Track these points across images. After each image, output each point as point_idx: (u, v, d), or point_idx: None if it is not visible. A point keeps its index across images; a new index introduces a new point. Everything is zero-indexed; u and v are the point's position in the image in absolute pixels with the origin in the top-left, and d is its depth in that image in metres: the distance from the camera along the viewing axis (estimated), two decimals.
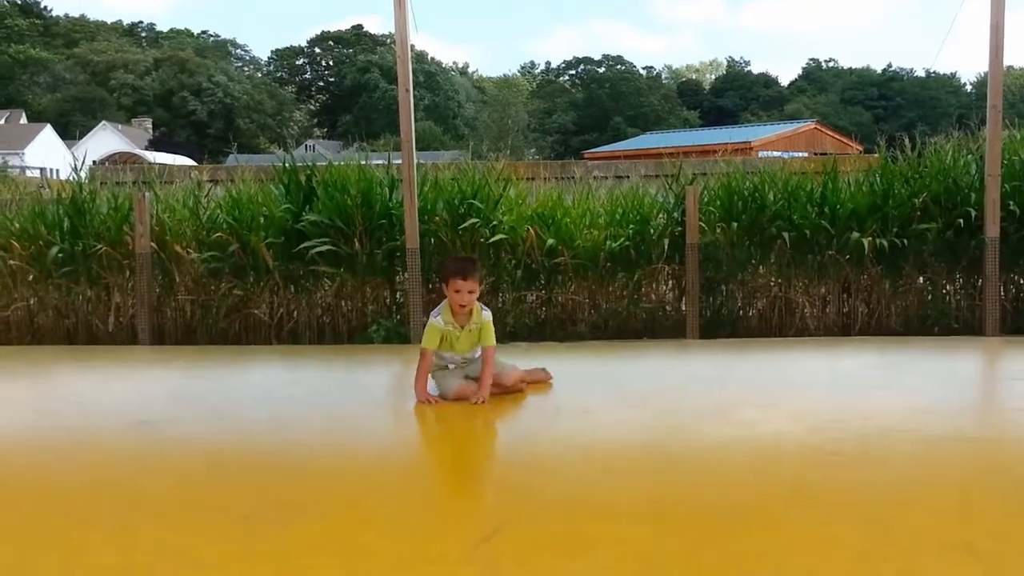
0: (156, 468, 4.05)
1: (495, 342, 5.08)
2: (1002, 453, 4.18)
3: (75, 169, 8.89)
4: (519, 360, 5.39)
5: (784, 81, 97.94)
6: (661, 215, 8.36)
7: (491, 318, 5.08)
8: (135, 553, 3.05)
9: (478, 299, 5.07)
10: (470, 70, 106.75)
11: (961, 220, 7.88)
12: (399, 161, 8.06)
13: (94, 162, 18.54)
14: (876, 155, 8.80)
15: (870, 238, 7.84)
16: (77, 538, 3.18)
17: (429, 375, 5.02)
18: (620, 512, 3.33)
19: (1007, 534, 3.11)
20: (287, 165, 8.39)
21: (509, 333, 7.88)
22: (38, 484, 3.85)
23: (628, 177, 10.19)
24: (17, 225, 8.47)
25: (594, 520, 3.25)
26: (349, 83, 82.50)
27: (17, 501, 3.61)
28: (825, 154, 11.36)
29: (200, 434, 4.61)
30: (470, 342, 5.02)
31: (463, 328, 4.97)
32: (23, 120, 62.12)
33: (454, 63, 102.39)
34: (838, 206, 8.12)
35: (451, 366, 5.05)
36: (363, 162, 8.51)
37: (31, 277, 8.33)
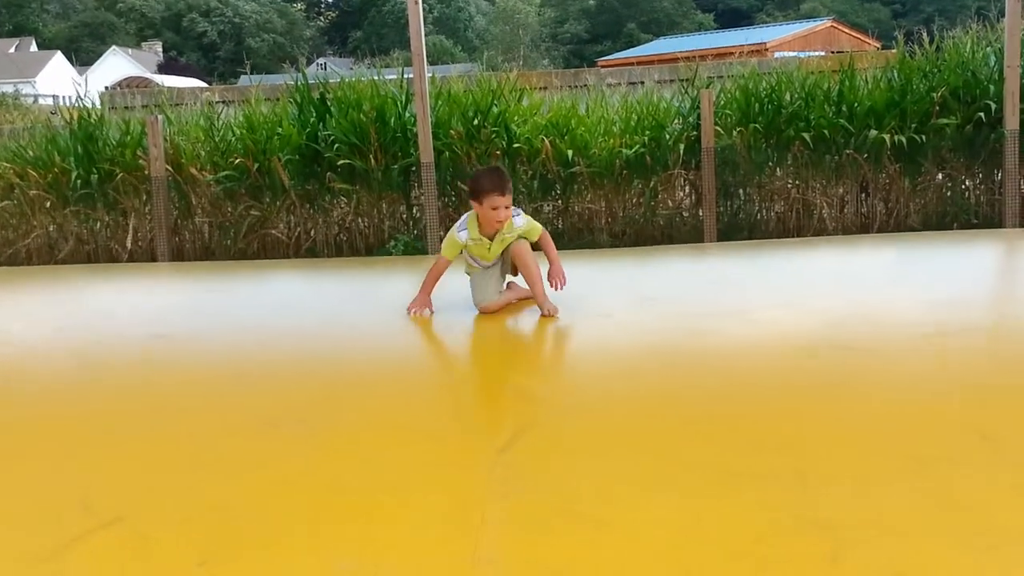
0: (180, 379, 4.10)
1: (540, 231, 4.86)
2: (1016, 342, 4.20)
3: (79, 96, 8.86)
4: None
5: None
6: (676, 120, 8.29)
7: (524, 221, 4.79)
8: (165, 458, 3.12)
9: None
10: None
11: (981, 114, 7.78)
12: (411, 76, 8.01)
13: (105, 87, 18.49)
14: (894, 51, 8.67)
15: (888, 135, 7.76)
16: (105, 445, 3.24)
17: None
18: (641, 412, 3.38)
19: (1018, 418, 3.14)
20: (299, 84, 8.34)
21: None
22: (60, 397, 3.91)
23: (643, 83, 10.09)
24: (31, 153, 8.50)
25: (615, 421, 3.29)
26: None
27: (40, 415, 3.68)
28: (842, 52, 11.17)
29: (222, 346, 4.67)
30: (496, 250, 4.77)
31: (492, 238, 4.72)
32: (33, 48, 61.78)
33: None
34: (856, 104, 8.03)
35: (477, 266, 4.84)
36: (375, 78, 8.44)
37: (48, 204, 8.37)
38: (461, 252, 4.79)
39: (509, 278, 4.96)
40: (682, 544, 2.40)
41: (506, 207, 4.61)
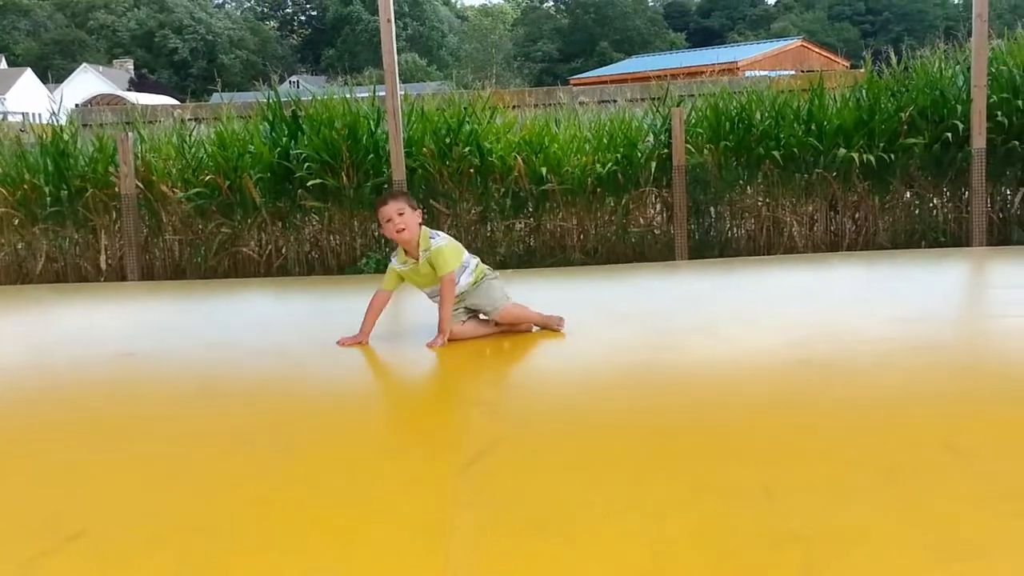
0: (150, 397, 4.08)
1: (450, 268, 4.54)
2: (983, 358, 4.25)
3: (53, 113, 8.82)
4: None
5: None
6: (648, 138, 8.33)
7: (444, 243, 4.60)
8: (136, 476, 3.09)
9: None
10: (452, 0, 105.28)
11: (949, 133, 7.86)
12: (383, 93, 8.02)
13: (76, 105, 18.37)
14: (863, 70, 8.76)
15: (857, 153, 7.84)
16: (79, 469, 3.21)
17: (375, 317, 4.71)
18: (609, 427, 3.38)
19: (986, 432, 3.17)
20: (271, 101, 8.33)
21: (500, 262, 7.91)
22: (28, 415, 3.88)
23: (615, 101, 10.14)
24: (0, 170, 8.43)
25: (583, 436, 3.30)
26: (331, 16, 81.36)
27: (6, 434, 3.64)
28: (812, 71, 11.28)
29: (192, 363, 4.63)
30: (428, 275, 4.60)
31: (417, 260, 4.59)
32: (3, 65, 61.37)
33: None
34: (825, 123, 8.10)
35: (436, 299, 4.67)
36: (348, 96, 8.45)
37: (16, 222, 8.31)
38: (401, 282, 4.72)
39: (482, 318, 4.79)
40: (652, 559, 2.40)
41: (398, 213, 4.51)
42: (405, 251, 4.64)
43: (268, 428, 3.54)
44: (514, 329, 4.73)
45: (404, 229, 4.55)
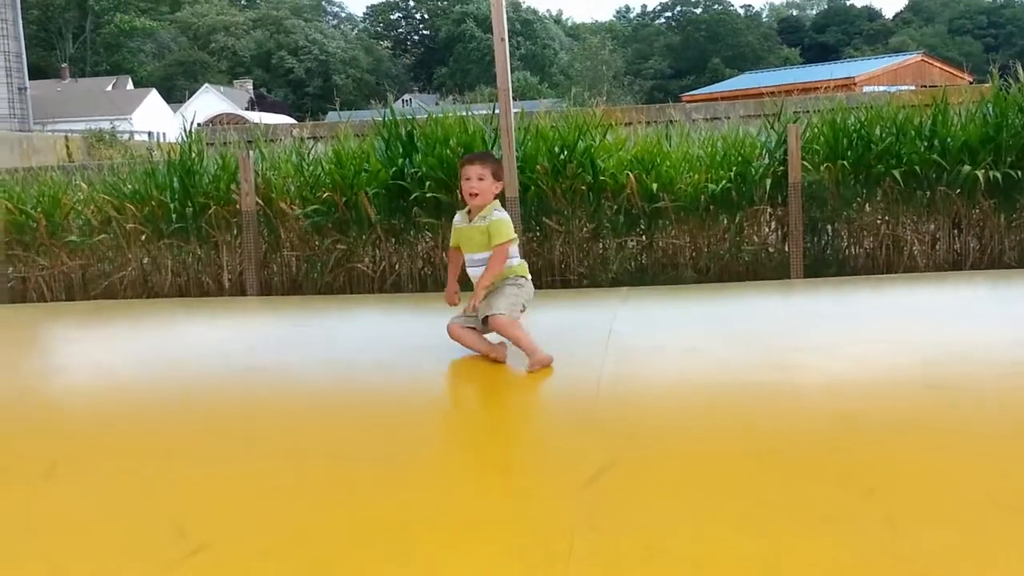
0: (270, 410, 4.19)
1: (506, 239, 4.53)
2: None
3: (186, 131, 9.11)
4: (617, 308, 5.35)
5: (888, 13, 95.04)
6: (762, 155, 8.21)
7: (506, 217, 4.61)
8: (254, 489, 3.17)
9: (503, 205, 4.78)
10: (563, 18, 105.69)
11: None
12: (497, 111, 8.07)
13: (199, 124, 18.99)
14: (988, 85, 8.49)
15: (983, 171, 7.59)
16: (204, 480, 3.30)
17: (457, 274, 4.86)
18: (725, 449, 3.33)
19: None
20: (387, 120, 8.47)
21: (612, 279, 7.90)
22: (153, 428, 4.02)
23: (728, 118, 10.03)
24: (129, 187, 8.75)
25: (699, 458, 3.26)
26: (444, 35, 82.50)
27: (133, 444, 3.78)
28: (934, 87, 10.98)
29: (309, 378, 4.73)
30: (479, 240, 4.61)
31: (471, 222, 4.64)
32: (129, 86, 63.71)
33: (547, 11, 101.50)
34: (949, 139, 7.86)
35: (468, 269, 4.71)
36: (462, 114, 8.53)
37: (143, 237, 8.60)
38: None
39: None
40: None
41: (479, 178, 4.55)
42: (469, 211, 4.69)
43: (380, 444, 3.58)
44: (490, 355, 4.58)
45: (477, 195, 4.58)
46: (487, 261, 4.58)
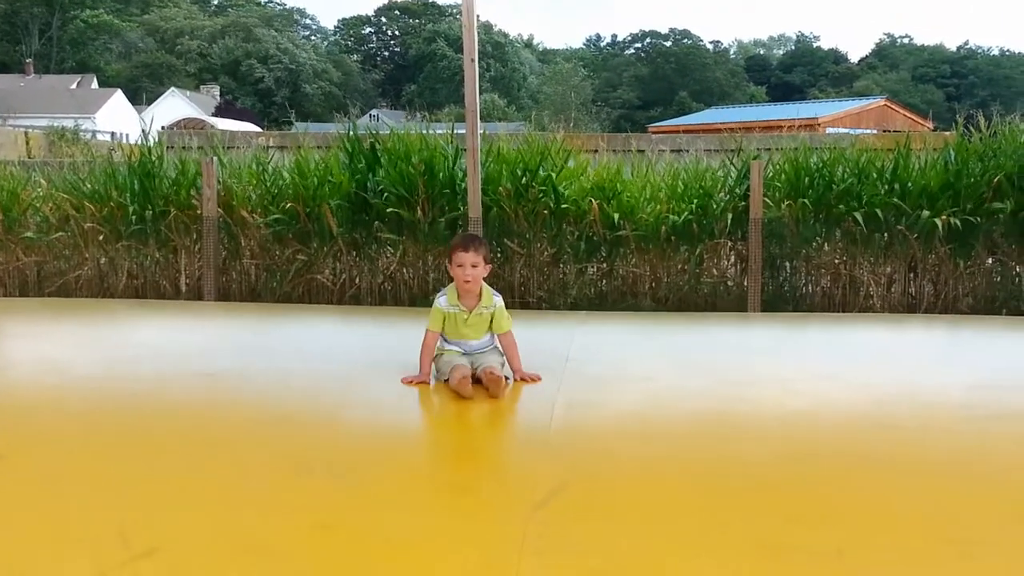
0: (226, 418, 4.15)
1: (511, 327, 4.69)
2: None
3: (145, 133, 9.04)
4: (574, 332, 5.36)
5: (854, 57, 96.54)
6: (724, 190, 8.29)
7: (503, 304, 4.69)
8: (203, 494, 3.13)
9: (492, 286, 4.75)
10: (534, 42, 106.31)
11: None
12: (461, 131, 8.08)
13: (162, 127, 18.81)
14: (950, 132, 8.63)
15: (942, 218, 7.70)
16: (154, 485, 3.25)
17: (433, 358, 4.67)
18: (678, 477, 3.35)
19: None
20: (351, 133, 8.45)
21: (571, 303, 7.92)
22: (102, 429, 3.97)
23: (688, 151, 10.10)
24: (89, 186, 8.65)
25: (652, 484, 3.27)
26: (414, 53, 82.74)
27: (81, 446, 3.72)
28: (897, 132, 11.15)
29: (268, 385, 4.68)
30: (481, 327, 4.65)
31: (471, 311, 4.61)
32: (94, 85, 63.18)
33: (519, 35, 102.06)
34: (909, 183, 7.98)
35: (457, 349, 4.65)
36: (424, 131, 8.52)
37: (101, 237, 8.50)
38: (444, 325, 4.65)
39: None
40: None
41: (472, 265, 4.53)
42: (459, 296, 4.62)
43: (335, 457, 3.56)
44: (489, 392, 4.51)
45: (472, 281, 4.57)
46: (490, 347, 4.68)
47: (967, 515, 3.01)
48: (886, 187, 8.01)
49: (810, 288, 8.22)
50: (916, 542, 2.80)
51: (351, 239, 8.21)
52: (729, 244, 8.18)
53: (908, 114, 38.61)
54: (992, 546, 2.78)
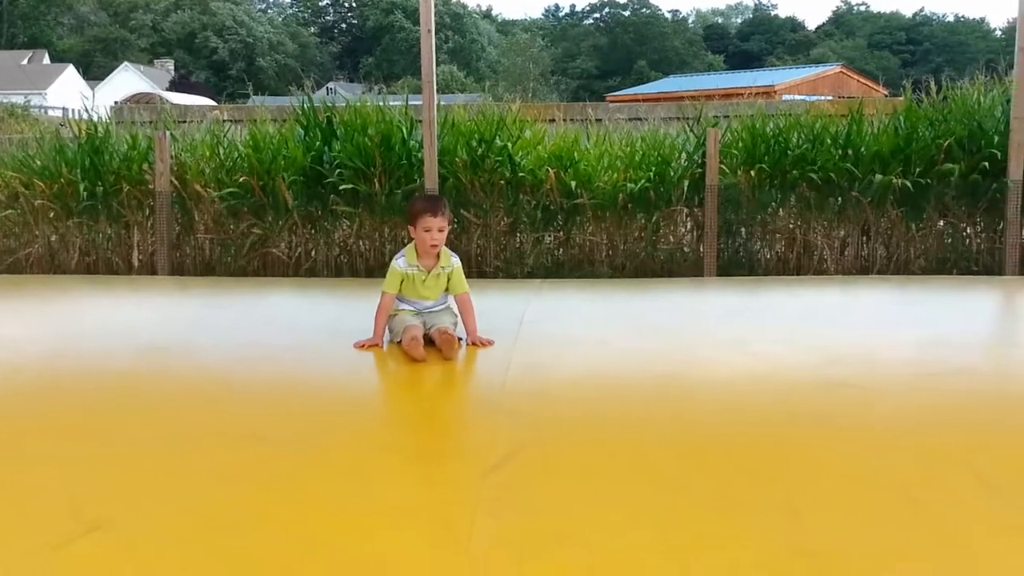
0: (176, 391, 4.12)
1: (468, 288, 4.76)
2: (1014, 385, 4.20)
3: (87, 109, 8.92)
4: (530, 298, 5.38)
5: (811, 25, 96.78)
6: (681, 157, 8.31)
7: (460, 264, 4.76)
8: (152, 465, 3.12)
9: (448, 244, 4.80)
10: (493, 13, 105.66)
11: (985, 163, 7.80)
12: (417, 102, 8.04)
13: (115, 102, 18.57)
14: (901, 99, 8.70)
15: (893, 178, 7.77)
16: (104, 459, 3.23)
17: (386, 322, 4.71)
18: (634, 439, 3.38)
19: (1012, 461, 3.14)
20: (306, 106, 8.38)
21: (528, 272, 7.93)
22: (52, 404, 3.94)
23: (646, 120, 10.13)
24: (38, 163, 8.52)
25: (607, 446, 3.30)
26: (372, 24, 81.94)
27: (31, 421, 3.70)
28: (851, 98, 11.21)
29: (219, 359, 4.67)
30: (438, 287, 4.71)
31: (429, 271, 4.66)
32: (46, 61, 62.09)
33: (477, 5, 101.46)
34: (862, 148, 8.04)
35: (411, 309, 4.70)
36: (381, 103, 8.47)
37: (52, 214, 8.39)
38: (402, 286, 4.70)
39: None
40: (673, 573, 2.39)
41: (439, 230, 4.59)
42: (419, 256, 4.66)
43: (288, 426, 3.55)
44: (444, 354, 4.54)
45: (437, 245, 4.62)
46: (443, 306, 4.76)
47: (919, 469, 3.07)
48: (840, 152, 8.07)
49: (765, 253, 8.28)
50: (867, 495, 2.86)
51: (307, 212, 8.16)
52: (686, 211, 8.21)
53: (863, 80, 38.88)
54: (937, 494, 2.84)
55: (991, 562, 2.44)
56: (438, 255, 4.67)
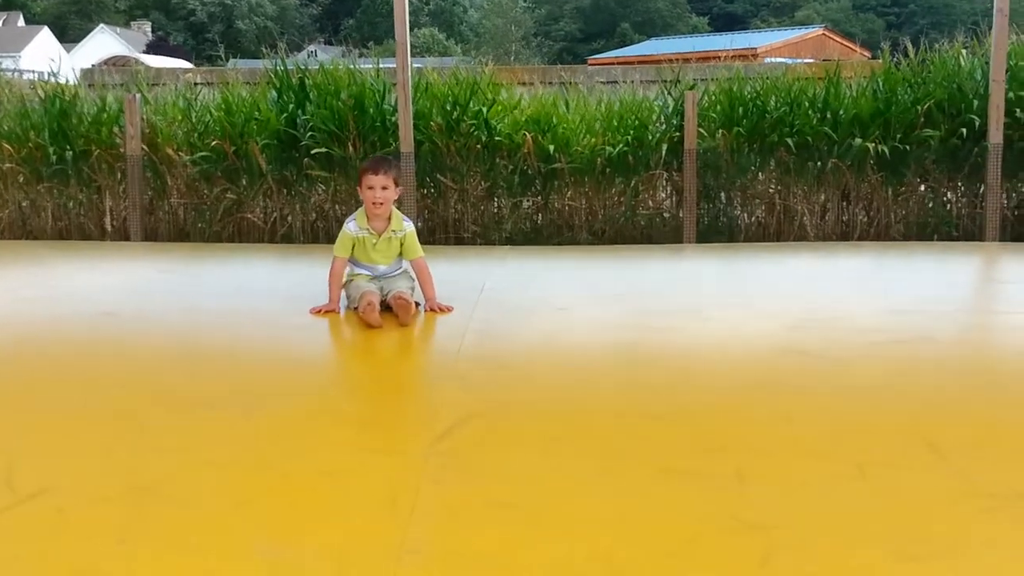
0: (124, 356, 4.07)
1: (423, 253, 4.71)
2: (975, 354, 4.19)
3: (53, 73, 8.77)
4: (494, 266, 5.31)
5: None
6: (660, 121, 8.23)
7: (414, 229, 4.71)
8: (93, 434, 3.09)
9: (403, 211, 4.79)
10: None
11: (965, 128, 7.75)
12: (391, 65, 7.93)
13: (92, 65, 18.29)
14: (880, 61, 8.63)
15: (872, 144, 7.72)
16: (43, 426, 3.18)
17: (342, 285, 4.68)
18: (586, 407, 3.37)
19: (966, 430, 3.13)
20: (279, 69, 8.25)
21: (506, 238, 7.86)
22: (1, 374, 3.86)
23: (625, 82, 10.03)
24: (6, 127, 8.37)
25: (559, 415, 3.29)
26: None
27: None
28: (830, 60, 11.13)
29: (172, 324, 4.58)
30: (390, 252, 4.66)
31: (380, 235, 4.61)
32: (21, 23, 61.27)
33: None
34: (841, 112, 7.98)
35: (366, 273, 4.66)
36: (352, 66, 8.34)
37: (21, 179, 8.26)
38: (354, 250, 4.67)
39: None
40: (614, 541, 2.38)
41: (382, 187, 4.53)
42: (368, 219, 4.62)
43: (237, 393, 3.51)
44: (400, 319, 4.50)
45: (383, 204, 4.57)
46: (400, 271, 4.71)
47: (870, 437, 3.05)
48: (818, 116, 8.00)
49: (745, 218, 8.23)
50: (818, 463, 2.85)
51: (281, 177, 8.05)
52: (665, 176, 8.15)
53: (845, 43, 38.81)
54: (890, 467, 2.81)
55: (933, 532, 2.41)
56: (389, 219, 4.64)
